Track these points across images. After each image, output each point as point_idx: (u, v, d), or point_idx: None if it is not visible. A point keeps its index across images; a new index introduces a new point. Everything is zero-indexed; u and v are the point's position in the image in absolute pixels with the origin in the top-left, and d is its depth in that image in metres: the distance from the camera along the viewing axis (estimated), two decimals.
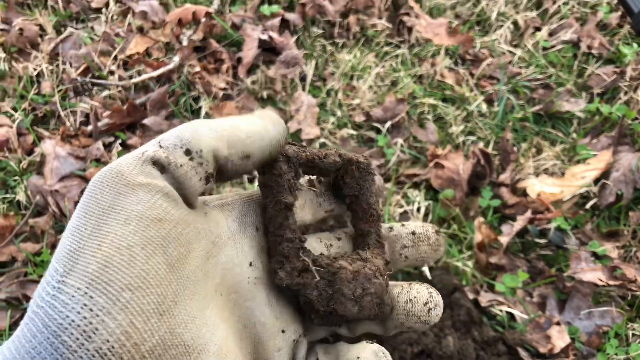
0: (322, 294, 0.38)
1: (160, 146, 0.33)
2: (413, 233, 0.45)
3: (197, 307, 0.32)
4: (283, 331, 0.40)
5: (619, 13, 1.73)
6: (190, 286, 0.32)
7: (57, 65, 1.62)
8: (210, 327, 0.33)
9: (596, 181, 1.38)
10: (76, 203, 1.34)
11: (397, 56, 1.67)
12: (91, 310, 0.27)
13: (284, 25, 1.72)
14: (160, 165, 0.32)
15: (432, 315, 0.40)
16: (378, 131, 1.50)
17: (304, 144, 0.41)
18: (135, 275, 0.29)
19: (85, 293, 0.27)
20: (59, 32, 1.71)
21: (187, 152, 0.33)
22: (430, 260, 0.45)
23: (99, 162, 1.43)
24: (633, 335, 1.17)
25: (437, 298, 0.41)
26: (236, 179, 1.42)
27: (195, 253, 0.33)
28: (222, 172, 0.36)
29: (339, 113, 1.53)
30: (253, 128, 0.36)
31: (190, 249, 0.33)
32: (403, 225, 0.46)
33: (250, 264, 0.39)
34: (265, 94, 1.57)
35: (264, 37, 1.63)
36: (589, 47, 1.67)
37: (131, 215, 0.30)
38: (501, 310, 1.21)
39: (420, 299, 0.41)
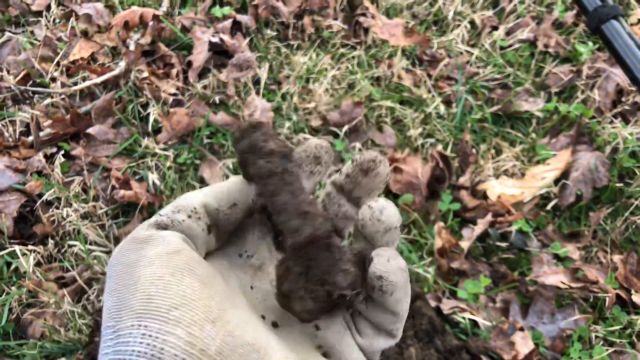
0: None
1: (160, 215, 0.37)
2: (347, 175, 0.44)
3: (246, 314, 0.35)
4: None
5: (574, 12, 1.72)
6: (229, 299, 0.34)
7: None
8: (263, 331, 0.35)
9: (556, 181, 1.36)
10: (15, 219, 1.26)
11: (353, 58, 1.63)
12: (150, 336, 0.29)
13: (236, 27, 1.66)
14: (163, 226, 0.36)
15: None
16: (336, 135, 1.46)
17: None
18: (174, 295, 0.31)
19: (139, 326, 0.30)
20: None
21: (184, 213, 0.37)
22: (380, 185, 0.44)
23: (41, 174, 1.35)
24: (596, 337, 1.15)
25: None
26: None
27: (223, 275, 0.37)
28: (218, 224, 0.39)
29: (294, 117, 1.48)
30: (232, 184, 0.40)
31: (216, 273, 0.36)
32: (339, 172, 0.45)
33: (252, 288, 0.41)
34: (217, 98, 1.50)
35: (215, 39, 1.57)
36: (546, 46, 1.66)
37: (153, 257, 0.33)
38: (464, 318, 1.18)
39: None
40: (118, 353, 0.29)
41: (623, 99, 1.52)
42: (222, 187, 0.40)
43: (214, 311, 0.32)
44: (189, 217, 0.37)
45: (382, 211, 0.39)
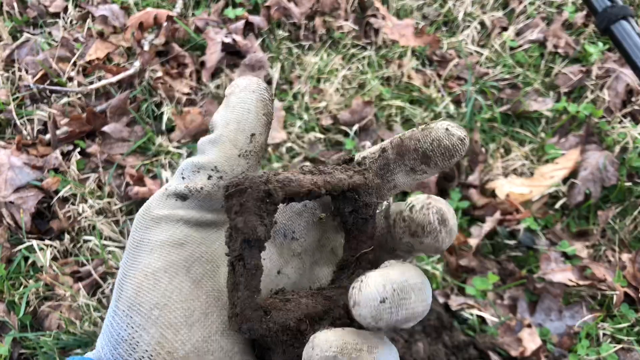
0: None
1: (182, 177, 0.37)
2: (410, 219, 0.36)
3: None
4: None
5: (584, 12, 1.73)
6: (224, 297, 0.35)
7: (13, 72, 1.56)
8: None
9: (565, 180, 1.37)
10: (32, 214, 1.29)
11: (364, 58, 1.65)
12: (132, 327, 0.33)
13: (249, 28, 1.69)
14: (182, 196, 0.36)
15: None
16: (346, 134, 1.48)
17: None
18: (160, 295, 0.34)
19: (127, 314, 0.34)
20: (15, 38, 1.66)
21: (204, 174, 0.36)
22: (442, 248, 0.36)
23: (57, 171, 1.38)
24: (604, 335, 1.16)
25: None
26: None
27: (226, 267, 0.36)
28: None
29: (305, 117, 1.50)
30: (242, 114, 0.37)
31: (219, 264, 0.36)
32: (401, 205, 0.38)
33: (278, 272, 0.39)
34: None
35: (228, 40, 1.59)
36: (555, 47, 1.67)
37: (155, 245, 0.35)
38: (472, 314, 1.19)
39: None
40: (112, 326, 0.34)
41: (633, 99, 1.52)
42: (233, 120, 0.37)
43: (196, 314, 0.34)
44: (209, 177, 0.36)
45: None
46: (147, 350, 0.33)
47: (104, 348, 0.34)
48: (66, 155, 1.42)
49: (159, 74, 1.54)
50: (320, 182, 0.36)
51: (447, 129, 0.37)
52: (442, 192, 1.38)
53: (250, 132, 0.37)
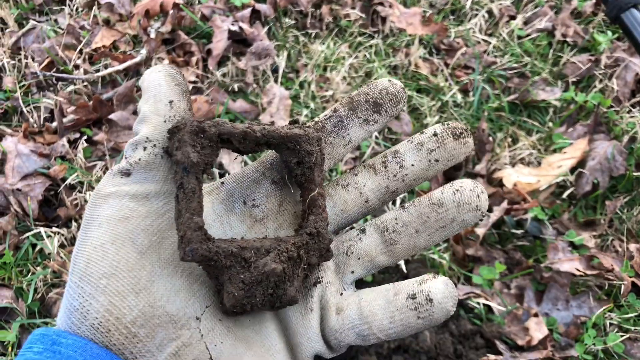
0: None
1: (125, 157, 0.39)
2: (435, 134, 0.43)
3: (183, 283, 0.38)
4: None
5: (594, 1, 1.72)
6: (169, 266, 0.38)
7: (20, 60, 1.56)
8: (199, 297, 0.39)
9: (572, 170, 1.36)
10: (39, 202, 1.29)
11: (371, 46, 1.64)
12: (83, 296, 0.36)
13: (255, 16, 1.68)
14: (125, 172, 0.38)
15: (482, 200, 0.41)
16: None
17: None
18: (108, 265, 0.36)
19: (78, 285, 0.36)
20: (21, 25, 1.65)
21: (140, 147, 0.39)
22: (461, 155, 0.44)
23: (64, 159, 1.38)
24: (610, 324, 1.16)
25: (480, 185, 0.42)
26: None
27: (172, 238, 0.39)
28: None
29: (312, 105, 1.50)
30: (156, 87, 0.40)
31: (165, 236, 0.39)
32: (421, 132, 0.44)
33: (241, 239, 0.41)
34: (236, 86, 1.53)
35: (234, 28, 1.59)
36: (564, 36, 1.65)
37: (103, 220, 0.37)
38: (478, 303, 1.19)
39: (466, 187, 0.41)
40: (67, 297, 0.37)
41: None
42: (151, 96, 0.40)
43: (142, 282, 0.37)
44: (145, 149, 0.39)
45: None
46: (97, 318, 0.35)
47: (61, 319, 0.37)
48: (73, 143, 1.42)
49: (166, 62, 1.54)
50: (256, 128, 0.40)
51: (389, 80, 0.44)
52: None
53: (168, 100, 0.39)
